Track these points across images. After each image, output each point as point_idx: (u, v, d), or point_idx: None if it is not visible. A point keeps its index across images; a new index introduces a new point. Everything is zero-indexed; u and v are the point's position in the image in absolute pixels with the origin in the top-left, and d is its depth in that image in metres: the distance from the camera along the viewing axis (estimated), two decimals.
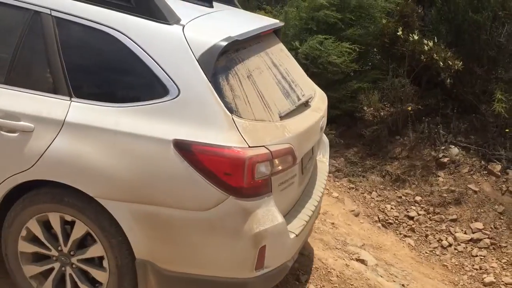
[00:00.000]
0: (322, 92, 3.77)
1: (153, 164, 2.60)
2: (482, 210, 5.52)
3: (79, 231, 2.85)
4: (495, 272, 4.91)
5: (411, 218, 5.65)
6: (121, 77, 2.76)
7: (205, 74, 2.63)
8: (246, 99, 2.75)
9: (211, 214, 2.61)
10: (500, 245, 5.17)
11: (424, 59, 6.25)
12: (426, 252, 5.22)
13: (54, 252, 2.95)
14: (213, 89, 2.62)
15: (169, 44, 2.70)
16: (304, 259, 4.06)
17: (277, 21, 3.56)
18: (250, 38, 2.97)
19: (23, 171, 2.76)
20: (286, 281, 3.61)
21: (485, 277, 4.84)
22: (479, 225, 5.40)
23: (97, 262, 2.94)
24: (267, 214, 2.68)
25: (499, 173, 5.77)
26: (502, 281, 4.77)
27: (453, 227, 5.45)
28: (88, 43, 2.80)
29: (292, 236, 2.89)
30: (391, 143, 6.61)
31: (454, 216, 5.53)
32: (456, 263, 5.05)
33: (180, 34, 2.70)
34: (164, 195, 2.62)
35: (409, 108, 6.41)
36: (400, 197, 5.93)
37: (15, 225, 2.91)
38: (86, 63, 2.81)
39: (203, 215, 2.62)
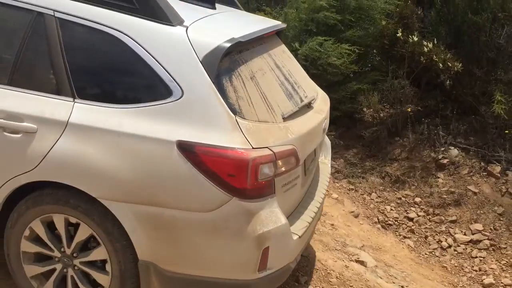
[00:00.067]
0: (324, 93, 3.78)
1: (156, 165, 2.60)
2: (481, 212, 5.52)
3: (83, 233, 2.84)
4: (494, 273, 4.91)
5: (411, 219, 5.66)
6: (125, 78, 2.76)
7: (208, 75, 2.63)
8: (250, 101, 2.75)
9: (215, 216, 2.60)
10: (499, 247, 5.17)
11: (424, 61, 6.26)
12: (425, 253, 5.23)
13: (56, 253, 2.95)
14: (216, 90, 2.62)
15: (173, 46, 2.70)
16: (303, 260, 4.06)
17: (279, 22, 3.56)
18: (253, 40, 2.97)
19: (26, 172, 2.76)
20: (285, 283, 3.60)
21: (484, 279, 4.84)
22: (478, 226, 5.40)
23: (99, 265, 2.93)
24: (271, 216, 2.68)
25: (499, 175, 5.77)
26: (502, 283, 4.78)
27: (452, 228, 5.46)
28: (92, 44, 2.79)
29: (295, 237, 2.89)
30: (391, 145, 6.61)
31: (454, 218, 5.54)
32: (456, 265, 5.06)
33: (183, 35, 2.70)
34: (167, 196, 2.62)
35: (409, 110, 6.42)
36: (400, 199, 5.93)
37: (18, 225, 2.90)
38: (90, 64, 2.81)
39: (206, 217, 2.61)
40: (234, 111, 2.64)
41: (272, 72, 3.11)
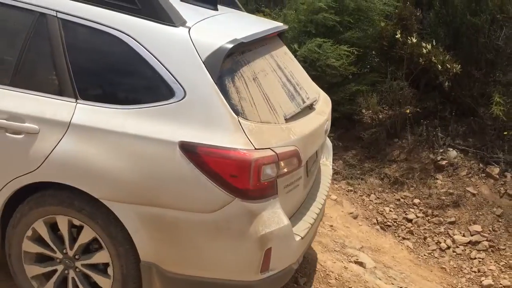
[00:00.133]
0: (326, 95, 3.78)
1: (159, 166, 2.60)
2: (480, 213, 5.53)
3: (86, 236, 2.84)
4: (493, 274, 4.92)
5: (410, 220, 5.66)
6: (127, 79, 2.76)
7: (211, 76, 2.63)
8: (252, 101, 2.75)
9: (217, 216, 2.60)
10: (498, 248, 5.18)
11: (423, 62, 6.26)
12: (424, 255, 5.23)
13: (58, 255, 2.94)
14: (219, 91, 2.62)
15: (175, 46, 2.70)
16: (302, 262, 4.05)
17: (281, 24, 3.56)
18: (255, 41, 2.97)
19: (28, 173, 2.75)
20: (285, 284, 3.61)
21: (483, 280, 4.84)
22: (477, 227, 5.41)
23: (101, 268, 2.93)
24: (273, 216, 2.68)
25: (497, 176, 5.78)
26: (500, 284, 4.78)
27: (451, 229, 5.47)
28: (94, 45, 2.79)
29: (297, 238, 2.88)
30: (390, 146, 6.62)
31: (453, 219, 5.54)
32: (455, 266, 5.06)
33: (186, 36, 2.70)
34: (169, 197, 2.62)
35: (408, 111, 6.42)
36: (399, 200, 5.94)
37: (21, 225, 2.90)
38: (92, 65, 2.81)
39: (208, 217, 2.61)
40: (237, 112, 2.64)
41: (274, 73, 3.11)
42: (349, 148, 6.80)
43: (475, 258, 5.12)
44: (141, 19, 2.73)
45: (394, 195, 6.01)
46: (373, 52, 7.34)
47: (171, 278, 2.75)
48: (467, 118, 6.48)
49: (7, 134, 2.77)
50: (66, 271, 2.97)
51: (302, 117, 3.07)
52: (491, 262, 5.06)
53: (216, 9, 3.29)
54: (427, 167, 6.17)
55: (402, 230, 5.57)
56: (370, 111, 7.13)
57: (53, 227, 2.92)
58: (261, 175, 2.59)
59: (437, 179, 6.01)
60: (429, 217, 5.65)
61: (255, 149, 2.59)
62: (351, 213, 5.63)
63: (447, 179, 5.97)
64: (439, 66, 6.12)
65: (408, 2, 6.86)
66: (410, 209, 5.79)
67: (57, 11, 2.81)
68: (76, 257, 2.92)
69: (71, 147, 2.67)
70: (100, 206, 2.70)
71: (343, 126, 7.05)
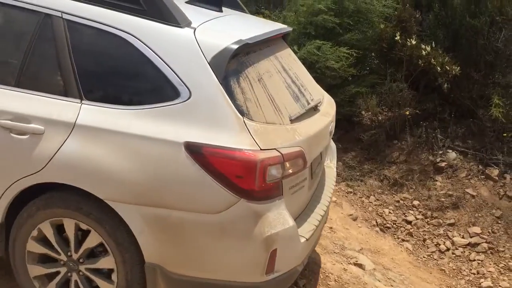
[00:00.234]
0: (330, 97, 3.77)
1: (164, 166, 2.59)
2: (479, 215, 5.53)
3: (93, 241, 2.83)
4: (492, 276, 4.92)
5: (409, 222, 5.66)
6: (132, 80, 2.75)
7: (216, 76, 2.63)
8: (257, 102, 2.75)
9: (222, 217, 2.59)
10: (497, 250, 5.18)
11: (422, 64, 6.27)
12: (424, 257, 5.23)
13: (63, 257, 2.93)
14: (224, 92, 2.62)
15: (181, 47, 2.70)
16: None
17: (285, 26, 3.56)
18: (260, 42, 2.98)
19: (33, 174, 2.75)
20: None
21: (482, 282, 4.84)
22: (476, 229, 5.41)
23: (105, 273, 2.92)
24: (278, 218, 2.67)
25: (497, 178, 5.79)
26: (500, 286, 4.79)
27: (450, 231, 5.47)
28: (99, 45, 2.79)
29: (302, 240, 2.88)
30: (389, 148, 6.62)
31: (452, 221, 5.54)
32: (454, 268, 5.06)
33: (191, 37, 2.70)
34: (174, 198, 2.61)
35: (407, 113, 6.43)
36: (398, 202, 5.94)
37: (27, 225, 2.89)
38: (97, 65, 2.81)
39: (214, 218, 2.60)
40: (242, 113, 2.64)
41: (279, 74, 3.11)
42: (349, 150, 6.81)
43: (474, 260, 5.12)
44: (146, 20, 2.73)
45: (394, 196, 6.02)
46: (373, 54, 7.35)
47: (175, 279, 2.74)
48: (466, 120, 6.49)
49: (12, 134, 2.77)
50: (69, 274, 2.96)
51: (307, 118, 3.07)
52: (490, 264, 5.06)
53: (221, 11, 3.30)
54: (426, 169, 6.17)
55: (401, 232, 5.57)
56: (370, 113, 7.13)
57: (59, 229, 2.91)
58: (267, 176, 2.58)
59: (436, 180, 6.01)
60: (428, 219, 5.66)
61: (261, 149, 2.58)
62: (350, 214, 5.63)
63: (447, 181, 5.97)
64: (439, 68, 6.13)
65: (408, 4, 6.87)
66: (410, 211, 5.79)
67: (62, 12, 2.81)
68: (81, 260, 2.91)
69: (76, 147, 2.67)
70: (108, 211, 2.69)
71: (342, 128, 7.05)
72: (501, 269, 4.99)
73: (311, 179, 3.18)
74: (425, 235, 5.49)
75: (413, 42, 6.31)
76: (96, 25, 2.76)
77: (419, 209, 5.78)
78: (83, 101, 2.74)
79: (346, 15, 6.81)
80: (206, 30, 2.79)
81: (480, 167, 5.97)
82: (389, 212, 5.81)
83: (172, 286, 2.78)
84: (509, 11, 6.11)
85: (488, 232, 5.37)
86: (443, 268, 5.06)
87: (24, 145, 2.75)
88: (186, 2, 3.30)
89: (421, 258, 5.21)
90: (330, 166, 3.86)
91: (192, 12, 2.93)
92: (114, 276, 2.85)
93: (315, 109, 3.25)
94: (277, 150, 2.64)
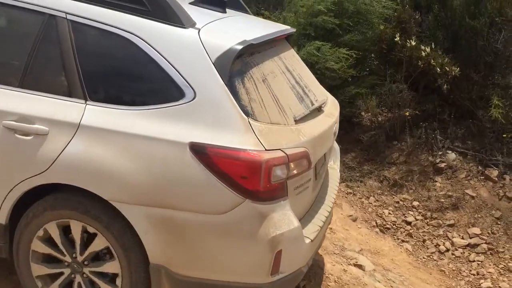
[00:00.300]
0: (334, 98, 3.77)
1: (169, 167, 2.58)
2: (479, 215, 5.53)
3: (99, 244, 2.82)
4: (492, 277, 4.92)
5: (409, 223, 5.67)
6: (137, 80, 2.75)
7: (221, 77, 2.62)
8: (262, 103, 2.75)
9: (227, 218, 2.58)
10: (497, 250, 5.18)
11: (422, 65, 6.27)
12: (423, 257, 5.24)
13: (67, 258, 2.92)
14: (229, 92, 2.61)
15: (185, 48, 2.69)
16: None
17: (289, 27, 3.56)
18: (264, 43, 2.97)
19: (37, 174, 2.74)
20: None
21: (482, 283, 4.85)
22: (476, 230, 5.41)
23: (110, 276, 2.92)
24: (283, 218, 2.66)
25: (496, 179, 5.79)
26: (499, 287, 4.79)
27: (450, 232, 5.47)
28: (104, 46, 2.79)
29: (307, 241, 2.86)
30: (389, 148, 6.63)
31: (452, 221, 5.55)
32: (454, 268, 5.06)
33: (196, 37, 2.69)
34: (179, 198, 2.60)
35: (407, 114, 6.43)
36: (398, 202, 5.94)
37: (33, 225, 2.88)
38: (102, 66, 2.80)
39: (219, 219, 2.59)
40: (247, 113, 2.63)
41: (283, 75, 3.10)
42: (349, 151, 6.81)
43: (474, 261, 5.13)
44: (151, 20, 2.72)
45: (393, 197, 6.02)
46: (372, 55, 7.35)
47: (180, 280, 2.73)
48: (466, 120, 6.50)
49: (17, 135, 2.76)
50: (72, 275, 2.96)
51: (311, 119, 3.06)
52: (490, 265, 5.07)
53: (225, 12, 3.30)
54: (426, 170, 6.18)
55: (401, 233, 5.57)
56: (370, 114, 7.14)
57: (65, 230, 2.90)
58: (272, 176, 2.57)
59: (436, 181, 6.02)
60: (428, 220, 5.66)
61: (266, 150, 2.57)
62: (350, 215, 5.63)
63: (446, 182, 5.98)
64: (438, 69, 6.13)
65: (407, 5, 6.89)
66: (409, 212, 5.80)
67: (66, 12, 2.80)
68: (85, 263, 2.90)
69: (81, 148, 2.67)
70: (116, 215, 2.69)
71: (342, 129, 7.03)
72: (501, 270, 4.99)
73: (315, 180, 3.17)
74: (425, 236, 5.49)
75: (413, 43, 6.32)
76: (100, 25, 2.75)
77: (419, 210, 5.79)
78: (87, 102, 2.73)
79: (346, 16, 6.81)
80: (210, 31, 2.78)
81: (480, 168, 5.97)
82: (389, 213, 5.81)
83: (177, 287, 2.77)
84: (508, 12, 6.11)
85: (488, 233, 5.37)
86: (443, 269, 5.06)
87: (29, 146, 2.74)
88: (190, 3, 3.30)
89: (421, 259, 5.21)
90: (334, 167, 3.84)
91: (196, 13, 2.93)
92: (118, 281, 2.85)
93: (319, 110, 3.24)
94: (282, 150, 2.63)
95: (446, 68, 6.10)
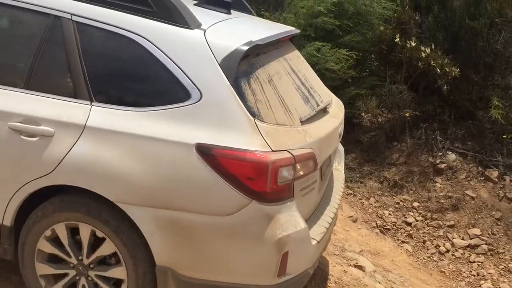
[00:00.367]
0: (338, 99, 3.77)
1: (175, 168, 2.57)
2: (479, 216, 5.54)
3: (107, 249, 2.80)
4: (492, 278, 4.93)
5: (409, 224, 5.67)
6: (142, 81, 2.73)
7: (227, 78, 2.61)
8: (268, 104, 2.73)
9: (234, 219, 2.57)
10: (497, 251, 5.19)
11: (421, 66, 6.28)
12: (424, 258, 5.24)
13: (73, 260, 2.90)
14: (235, 93, 2.60)
15: (191, 48, 2.68)
16: None
17: (293, 28, 3.55)
18: (269, 44, 2.96)
19: (43, 176, 2.72)
20: None
21: (482, 283, 4.86)
22: (476, 231, 5.42)
23: (115, 281, 2.90)
24: (290, 220, 2.64)
25: (496, 179, 5.80)
26: (500, 287, 4.80)
27: (450, 233, 5.48)
28: (109, 47, 2.77)
29: (313, 242, 2.85)
30: (389, 149, 6.63)
31: (452, 222, 5.55)
32: (454, 269, 5.07)
33: (201, 38, 2.68)
34: (185, 200, 2.59)
35: (407, 114, 6.44)
36: (398, 203, 5.95)
37: (41, 224, 2.85)
38: (107, 67, 2.78)
39: (225, 220, 2.58)
40: (253, 114, 2.62)
41: (289, 76, 3.09)
42: (349, 152, 6.81)
43: (474, 262, 5.13)
44: (156, 21, 2.71)
45: (394, 198, 6.03)
46: (372, 56, 7.36)
47: (186, 282, 2.71)
48: (466, 121, 6.51)
49: (22, 137, 2.74)
50: (77, 277, 2.94)
51: (317, 120, 3.05)
52: (490, 265, 5.07)
53: (229, 13, 3.29)
54: (426, 171, 6.18)
55: (401, 234, 5.58)
56: (370, 115, 7.15)
57: (73, 232, 2.88)
58: (278, 178, 2.56)
59: (436, 182, 6.02)
60: (428, 221, 5.67)
61: (272, 151, 2.56)
62: (350, 216, 5.63)
63: (446, 183, 5.98)
64: (438, 70, 6.14)
65: (407, 6, 6.89)
66: (409, 213, 5.80)
67: (72, 14, 2.78)
68: (91, 266, 2.89)
69: (86, 149, 2.65)
70: (125, 220, 2.67)
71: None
72: (501, 271, 5.00)
73: (321, 181, 3.16)
74: (425, 236, 5.50)
75: (413, 44, 6.33)
76: (105, 26, 2.74)
77: (419, 211, 5.79)
78: (93, 103, 2.72)
79: (346, 17, 6.81)
80: (216, 32, 2.77)
81: (480, 168, 5.98)
82: (389, 214, 5.82)
83: None
84: (508, 13, 6.12)
85: (488, 233, 5.38)
86: (443, 269, 5.06)
87: (34, 147, 2.72)
88: (195, 5, 3.29)
89: (421, 259, 5.22)
90: (338, 168, 3.85)
91: (201, 14, 2.91)
92: (124, 286, 2.84)
93: (324, 111, 3.23)
94: (288, 151, 2.61)
95: (446, 69, 6.11)
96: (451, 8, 6.55)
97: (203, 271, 2.71)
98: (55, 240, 2.91)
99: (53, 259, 2.97)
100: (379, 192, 6.14)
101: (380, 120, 7.10)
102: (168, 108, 2.63)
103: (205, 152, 2.53)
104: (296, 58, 3.39)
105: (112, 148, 2.62)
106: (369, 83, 6.92)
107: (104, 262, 2.90)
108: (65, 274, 2.96)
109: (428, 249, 5.35)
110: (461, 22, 6.37)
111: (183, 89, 2.63)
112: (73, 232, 2.89)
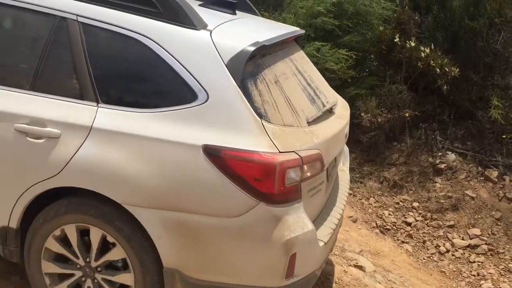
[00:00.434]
0: (344, 100, 3.76)
1: (182, 169, 2.56)
2: (479, 216, 5.55)
3: (116, 254, 2.79)
4: (492, 278, 4.93)
5: (409, 224, 5.68)
6: (149, 83, 2.72)
7: (234, 79, 2.59)
8: (275, 104, 2.72)
9: (241, 221, 2.55)
10: (497, 251, 5.20)
11: (421, 66, 6.29)
12: (424, 258, 5.25)
13: (81, 261, 2.88)
14: (242, 94, 2.58)
15: (198, 49, 2.67)
16: None
17: (298, 28, 3.53)
18: (275, 44, 2.95)
19: (49, 178, 2.70)
20: None
21: (483, 283, 4.86)
22: (476, 231, 5.43)
23: (121, 285, 2.89)
24: (298, 221, 2.63)
25: (496, 179, 5.81)
26: (500, 287, 4.79)
27: (450, 233, 5.48)
28: (115, 49, 2.76)
29: (321, 244, 2.84)
30: (389, 149, 6.63)
31: (452, 222, 5.56)
32: (454, 269, 5.07)
33: (208, 39, 2.67)
34: (193, 202, 2.57)
35: (406, 114, 6.45)
36: (398, 203, 5.95)
37: (51, 224, 2.83)
38: (113, 68, 2.77)
39: (233, 222, 2.56)
40: (260, 115, 2.60)
41: (295, 76, 3.08)
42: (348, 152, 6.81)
43: (474, 262, 5.14)
44: (163, 22, 2.70)
45: (393, 198, 6.03)
46: (372, 56, 7.36)
47: (194, 284, 2.70)
48: (465, 121, 6.52)
49: (28, 138, 2.72)
50: (83, 278, 2.92)
51: (323, 121, 3.04)
52: (490, 265, 5.08)
53: (235, 13, 3.27)
54: (426, 171, 6.19)
55: (401, 234, 5.58)
56: (369, 115, 7.15)
57: (83, 233, 2.87)
58: (286, 179, 2.54)
59: (436, 182, 6.03)
60: (428, 221, 5.67)
61: (280, 152, 2.54)
62: (350, 216, 5.64)
63: (446, 183, 5.99)
64: (438, 70, 6.14)
65: (407, 7, 6.90)
66: (409, 213, 5.81)
67: (77, 15, 2.77)
68: (98, 269, 2.87)
69: (93, 151, 2.63)
70: (142, 232, 2.66)
71: None
72: (501, 271, 5.01)
73: (327, 182, 3.15)
74: (425, 236, 5.51)
75: (412, 44, 6.33)
76: (111, 27, 2.72)
77: (419, 211, 5.80)
78: (99, 104, 2.70)
79: (345, 17, 6.82)
80: (222, 32, 2.76)
81: (480, 168, 5.99)
82: (389, 214, 5.82)
83: None
84: (507, 13, 6.13)
85: (488, 233, 5.38)
86: (443, 270, 5.07)
87: (40, 149, 2.71)
88: (199, 5, 3.27)
89: (421, 259, 5.22)
90: (343, 169, 3.83)
91: (207, 15, 2.89)
92: None
93: (330, 111, 3.22)
94: (296, 152, 2.60)
95: (446, 69, 6.12)
96: (450, 8, 6.56)
97: (211, 273, 2.70)
98: (63, 240, 2.89)
99: (59, 259, 2.95)
100: (379, 192, 6.15)
101: (379, 120, 7.11)
102: (175, 110, 2.61)
103: (212, 153, 2.52)
104: (301, 59, 3.37)
105: (118, 149, 2.61)
106: (368, 83, 6.92)
107: (111, 266, 2.88)
108: (71, 275, 2.94)
109: (428, 249, 5.36)
110: (461, 22, 6.38)
111: (190, 90, 2.61)
112: (83, 233, 2.87)
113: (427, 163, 6.25)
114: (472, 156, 6.12)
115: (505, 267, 5.03)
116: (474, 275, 4.99)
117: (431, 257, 5.26)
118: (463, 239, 5.39)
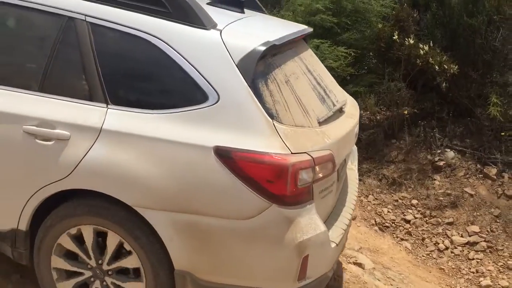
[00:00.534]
0: (352, 98, 3.72)
1: (193, 171, 2.53)
2: (478, 213, 5.56)
3: (131, 262, 2.77)
4: (491, 275, 4.95)
5: (408, 221, 5.68)
6: (159, 83, 2.69)
7: (244, 79, 2.57)
8: (286, 105, 2.69)
9: (253, 223, 2.53)
10: (496, 248, 5.21)
11: (420, 63, 6.27)
12: (423, 256, 5.25)
13: (92, 262, 2.86)
14: (253, 95, 2.56)
15: (208, 49, 2.64)
16: None
17: (306, 27, 3.49)
18: (286, 43, 2.92)
19: (59, 180, 2.68)
20: None
21: (481, 280, 4.87)
22: (475, 228, 5.43)
23: None
24: (310, 223, 2.61)
25: (495, 177, 5.81)
26: (499, 285, 4.81)
27: (449, 230, 5.49)
28: (124, 49, 2.73)
29: (333, 245, 2.82)
30: (387, 147, 6.63)
31: (451, 220, 5.57)
32: (453, 266, 5.08)
33: (218, 39, 2.64)
34: (204, 204, 2.55)
35: (405, 112, 6.44)
36: (397, 201, 5.95)
37: (67, 222, 2.81)
38: (122, 69, 2.74)
39: (244, 224, 2.54)
40: (271, 116, 2.58)
41: (305, 76, 3.05)
42: None
43: (473, 259, 5.15)
44: (172, 22, 2.67)
45: (392, 196, 6.03)
46: (371, 54, 7.33)
47: (205, 286, 2.68)
48: (464, 119, 6.51)
49: (37, 140, 2.70)
50: (92, 279, 2.90)
51: (334, 121, 3.02)
52: (489, 262, 5.09)
53: (243, 12, 3.24)
54: (425, 168, 6.19)
55: (400, 231, 5.58)
56: (368, 112, 7.14)
57: (99, 236, 2.85)
58: (298, 180, 2.52)
59: (434, 180, 6.03)
60: (427, 218, 5.67)
61: (292, 153, 2.52)
62: None
63: (445, 180, 6.00)
64: (436, 67, 6.13)
65: (405, 4, 6.88)
66: (408, 210, 5.81)
67: (86, 15, 2.75)
68: (109, 272, 2.85)
69: (103, 153, 2.61)
70: (151, 233, 2.64)
71: None
72: (500, 268, 5.02)
73: (337, 182, 3.13)
74: (424, 234, 5.51)
75: (411, 41, 6.31)
76: (120, 28, 2.70)
77: (418, 208, 5.80)
78: (109, 106, 2.68)
79: (344, 14, 6.80)
80: (232, 32, 2.73)
81: (478, 166, 5.99)
82: (388, 211, 5.82)
83: None
84: (506, 10, 6.12)
85: (487, 231, 5.40)
86: (442, 267, 5.08)
87: (50, 151, 2.68)
88: (207, 4, 3.23)
89: (420, 257, 5.23)
90: (352, 168, 3.79)
91: (215, 14, 2.86)
92: None
93: (340, 111, 3.20)
94: (308, 153, 2.58)
95: (445, 66, 6.10)
96: (449, 5, 6.55)
97: (222, 275, 2.68)
98: (78, 239, 2.87)
99: (70, 256, 2.93)
100: (378, 189, 6.15)
101: (378, 117, 7.11)
102: (185, 111, 2.59)
103: (224, 155, 2.50)
104: (310, 57, 3.34)
105: (129, 151, 2.59)
106: (367, 80, 6.90)
107: (123, 271, 2.86)
108: (80, 273, 2.92)
109: (427, 247, 5.37)
110: (459, 20, 6.36)
111: (200, 91, 2.59)
112: (98, 235, 2.85)
113: (426, 160, 6.26)
114: (471, 153, 6.13)
115: (504, 264, 5.04)
116: (473, 272, 5.00)
117: (430, 254, 5.27)
118: (462, 236, 5.40)
